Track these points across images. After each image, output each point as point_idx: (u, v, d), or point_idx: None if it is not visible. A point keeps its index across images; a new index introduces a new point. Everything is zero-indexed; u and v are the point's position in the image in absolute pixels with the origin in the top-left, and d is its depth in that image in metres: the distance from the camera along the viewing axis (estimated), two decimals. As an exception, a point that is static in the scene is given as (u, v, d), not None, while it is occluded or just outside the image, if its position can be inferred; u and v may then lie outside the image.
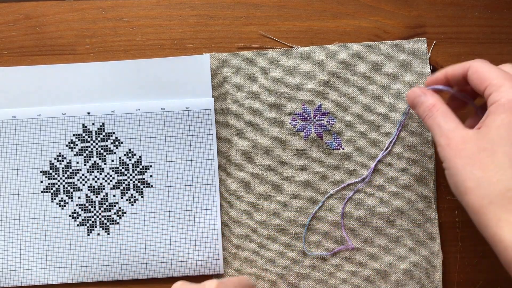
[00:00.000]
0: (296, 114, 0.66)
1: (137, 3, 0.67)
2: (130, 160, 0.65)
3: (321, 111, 0.66)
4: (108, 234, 0.64)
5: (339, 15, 0.67)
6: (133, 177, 0.64)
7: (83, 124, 0.65)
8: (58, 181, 0.64)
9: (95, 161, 0.65)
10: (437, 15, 0.68)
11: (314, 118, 0.66)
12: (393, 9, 0.68)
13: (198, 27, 0.67)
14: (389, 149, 0.66)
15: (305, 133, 0.66)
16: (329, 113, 0.66)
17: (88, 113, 0.65)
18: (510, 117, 0.50)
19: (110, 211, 0.64)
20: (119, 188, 0.64)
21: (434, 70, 0.66)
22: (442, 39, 0.68)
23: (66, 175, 0.64)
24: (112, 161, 0.65)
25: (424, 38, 0.67)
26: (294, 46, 0.67)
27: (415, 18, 0.68)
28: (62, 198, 0.64)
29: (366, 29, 0.67)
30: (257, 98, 0.66)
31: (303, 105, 0.66)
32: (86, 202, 0.64)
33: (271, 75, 0.66)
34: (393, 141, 0.66)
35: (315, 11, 0.68)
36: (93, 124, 0.65)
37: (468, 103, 0.61)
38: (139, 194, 0.64)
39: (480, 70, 0.54)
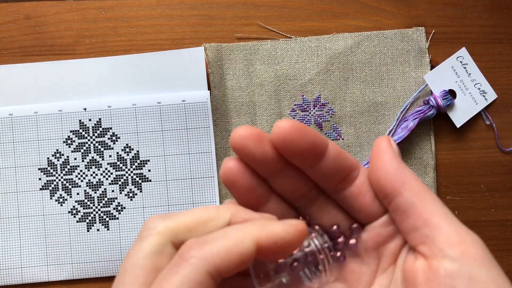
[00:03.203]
0: (295, 104, 0.65)
1: (137, 3, 0.66)
2: (127, 155, 0.64)
3: (320, 102, 0.65)
4: (108, 229, 0.64)
5: (339, 15, 0.67)
6: (131, 172, 0.64)
7: (80, 120, 0.64)
8: (57, 178, 0.64)
9: (92, 157, 0.64)
10: (437, 15, 0.67)
11: (314, 108, 0.65)
12: (393, 9, 0.67)
13: (198, 27, 0.66)
14: (389, 140, 0.65)
15: (304, 123, 0.65)
16: (328, 103, 0.65)
17: (85, 109, 0.64)
18: None
19: (109, 206, 0.64)
20: (117, 183, 0.64)
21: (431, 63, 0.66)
22: (442, 39, 0.67)
23: (64, 172, 0.64)
24: (110, 156, 0.64)
25: (423, 27, 0.66)
26: (293, 36, 0.66)
27: (415, 18, 0.67)
28: (60, 194, 0.64)
29: (366, 29, 0.67)
30: (256, 89, 0.66)
31: (303, 95, 0.65)
32: (85, 198, 0.64)
33: (270, 66, 0.66)
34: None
35: (315, 11, 0.67)
36: (89, 120, 0.64)
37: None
38: (138, 189, 0.64)
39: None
